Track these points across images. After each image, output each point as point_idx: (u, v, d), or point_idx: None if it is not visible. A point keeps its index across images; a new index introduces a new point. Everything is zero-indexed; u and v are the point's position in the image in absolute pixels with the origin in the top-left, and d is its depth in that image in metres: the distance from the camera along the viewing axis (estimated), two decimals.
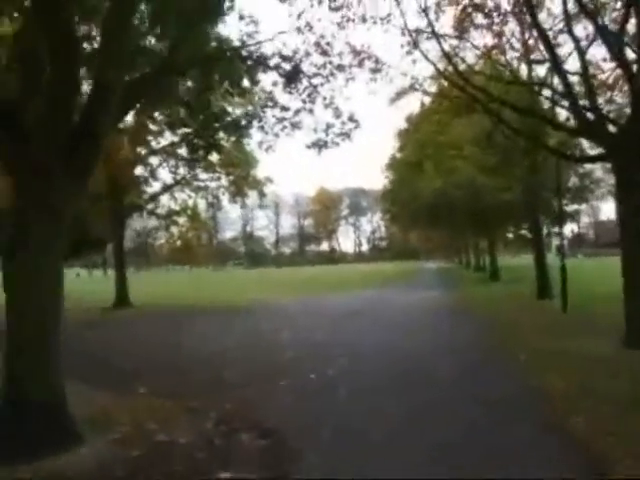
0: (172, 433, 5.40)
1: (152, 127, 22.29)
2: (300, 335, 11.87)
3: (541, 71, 17.18)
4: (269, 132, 14.87)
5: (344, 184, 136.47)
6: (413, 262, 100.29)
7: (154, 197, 25.04)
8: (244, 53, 10.71)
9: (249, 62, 10.96)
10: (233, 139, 18.28)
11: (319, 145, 13.49)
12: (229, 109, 16.47)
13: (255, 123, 15.38)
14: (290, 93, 13.21)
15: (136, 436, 5.33)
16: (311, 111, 13.47)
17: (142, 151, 23.61)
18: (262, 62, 10.93)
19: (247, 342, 11.46)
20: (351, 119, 13.63)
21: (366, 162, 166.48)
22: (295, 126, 14.13)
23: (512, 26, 14.66)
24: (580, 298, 14.88)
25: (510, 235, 37.64)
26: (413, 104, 28.53)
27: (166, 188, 24.48)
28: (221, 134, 16.98)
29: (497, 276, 32.22)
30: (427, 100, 20.06)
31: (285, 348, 10.19)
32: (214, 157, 24.00)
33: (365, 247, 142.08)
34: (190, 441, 5.21)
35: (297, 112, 13.92)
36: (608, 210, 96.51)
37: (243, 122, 15.89)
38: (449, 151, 21.04)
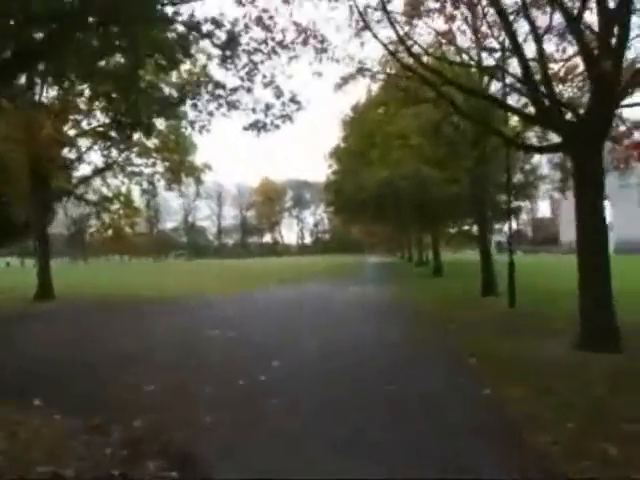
0: (59, 462, 4.20)
1: (81, 105, 20.43)
2: (214, 332, 10.67)
3: (491, 61, 16.74)
4: (203, 110, 13.53)
5: (288, 176, 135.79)
6: (356, 256, 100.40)
7: (83, 181, 23.05)
8: (170, 13, 9.32)
9: (178, 26, 9.60)
10: (165, 121, 16.78)
11: (258, 127, 12.30)
12: (160, 85, 14.96)
13: (188, 101, 13.99)
14: (227, 69, 11.96)
15: (8, 469, 4.09)
16: (250, 90, 12.29)
17: (70, 131, 21.68)
18: (193, 26, 9.59)
19: (166, 341, 10.20)
20: (293, 100, 12.50)
21: (311, 154, 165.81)
22: (232, 105, 12.90)
23: (465, 11, 14.06)
24: (526, 295, 14.44)
25: (453, 230, 37.52)
26: (360, 92, 27.75)
27: (97, 172, 22.56)
28: (151, 113, 15.43)
29: (440, 271, 31.98)
30: (375, 87, 19.24)
31: (209, 349, 9.03)
32: (150, 142, 22.47)
33: (308, 240, 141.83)
34: (79, 474, 4.03)
35: (234, 90, 12.70)
36: (544, 208, 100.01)
37: (175, 98, 14.45)
38: (396, 141, 20.24)
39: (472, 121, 13.69)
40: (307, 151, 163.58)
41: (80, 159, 21.73)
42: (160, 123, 20.61)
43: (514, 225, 50.71)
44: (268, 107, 12.11)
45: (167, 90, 15.25)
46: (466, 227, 34.87)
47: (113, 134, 21.76)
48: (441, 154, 20.92)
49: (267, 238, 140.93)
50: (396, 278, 31.82)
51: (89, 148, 22.53)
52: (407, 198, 23.75)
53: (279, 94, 12.32)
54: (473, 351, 8.10)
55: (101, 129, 21.14)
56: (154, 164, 23.60)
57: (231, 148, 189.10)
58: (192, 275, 38.24)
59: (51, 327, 12.97)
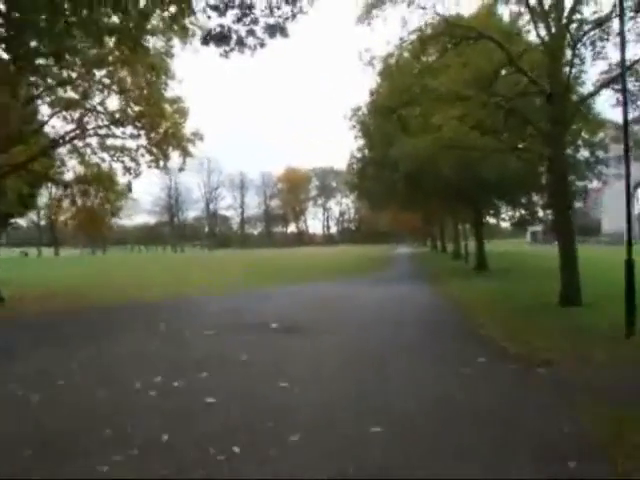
0: None
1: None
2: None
3: None
4: None
5: (313, 164, 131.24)
6: (383, 246, 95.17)
7: (45, 153, 18.51)
8: None
9: None
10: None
11: (223, 38, 7.44)
12: None
13: None
14: None
15: None
16: None
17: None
18: None
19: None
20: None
21: (336, 141, 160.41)
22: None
23: None
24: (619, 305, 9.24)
25: (506, 215, 31.70)
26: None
27: (57, 141, 18.13)
28: None
29: (485, 266, 26.81)
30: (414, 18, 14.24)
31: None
32: (131, 110, 17.94)
33: (334, 230, 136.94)
34: None
35: None
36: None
37: None
38: (439, 99, 15.17)
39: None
40: (333, 138, 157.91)
41: (31, 122, 17.24)
42: None
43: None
44: (243, 4, 7.21)
45: None
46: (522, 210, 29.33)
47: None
48: (496, 118, 15.85)
49: (292, 228, 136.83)
50: (433, 275, 26.74)
51: (54, 114, 18.11)
52: (452, 174, 18.60)
53: None
54: None
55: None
56: (138, 136, 18.98)
57: (255, 136, 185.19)
58: (203, 270, 33.72)
59: None
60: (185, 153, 18.26)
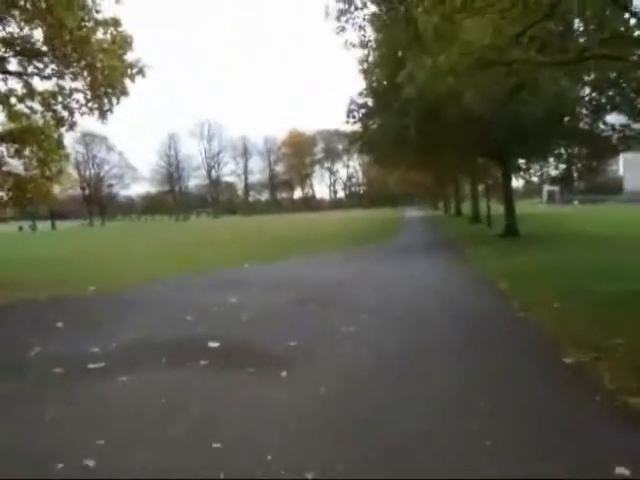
0: None
1: None
2: None
3: None
4: None
5: (318, 126, 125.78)
6: (392, 209, 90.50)
7: None
8: None
9: None
10: None
11: None
12: None
13: None
14: None
15: None
16: None
17: None
18: None
19: None
20: None
21: (342, 102, 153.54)
22: None
23: None
24: None
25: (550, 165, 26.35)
26: None
27: None
28: None
29: (515, 231, 22.21)
30: None
31: None
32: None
33: (341, 194, 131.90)
34: None
35: None
36: None
37: None
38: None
39: None
40: (338, 99, 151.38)
41: None
42: None
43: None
44: None
45: None
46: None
47: None
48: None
49: (298, 193, 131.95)
50: (455, 242, 22.23)
51: None
52: (479, 111, 13.81)
53: None
54: None
55: None
56: (74, 77, 14.42)
57: (256, 98, 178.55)
58: (192, 244, 29.58)
59: None
60: (122, 92, 13.64)
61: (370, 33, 16.18)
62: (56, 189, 19.38)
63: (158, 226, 71.07)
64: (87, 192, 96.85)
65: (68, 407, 4.61)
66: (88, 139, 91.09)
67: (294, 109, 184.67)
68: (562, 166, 24.45)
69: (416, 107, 15.82)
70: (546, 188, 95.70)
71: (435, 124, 17.56)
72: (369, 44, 15.30)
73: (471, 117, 14.99)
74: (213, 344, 6.46)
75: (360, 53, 16.25)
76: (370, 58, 20.91)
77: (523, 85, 14.01)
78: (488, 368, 5.20)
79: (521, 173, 26.60)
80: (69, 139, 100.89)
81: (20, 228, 77.91)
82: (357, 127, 22.99)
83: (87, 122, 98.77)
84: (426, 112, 16.43)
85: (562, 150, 22.80)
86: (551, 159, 24.71)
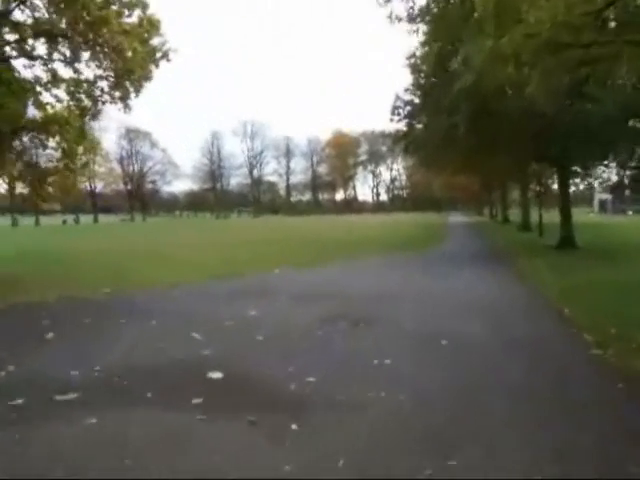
0: None
1: None
2: None
3: None
4: None
5: (362, 127, 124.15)
6: (436, 214, 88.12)
7: None
8: None
9: None
10: None
11: None
12: None
13: None
14: None
15: None
16: None
17: None
18: None
19: None
20: None
21: (386, 104, 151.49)
22: None
23: None
24: None
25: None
26: None
27: None
28: None
29: (571, 242, 20.28)
30: None
31: None
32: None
33: (384, 197, 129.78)
34: None
35: None
36: None
37: None
38: None
39: None
40: (383, 100, 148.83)
41: None
42: None
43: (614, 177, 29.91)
44: None
45: None
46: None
47: None
48: None
49: (340, 195, 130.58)
50: (504, 252, 20.46)
51: None
52: (542, 106, 12.15)
53: None
54: None
55: None
56: (99, 66, 13.57)
57: (301, 99, 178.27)
58: (220, 246, 28.72)
59: None
60: (145, 78, 12.66)
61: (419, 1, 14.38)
62: (99, 184, 18.73)
63: (198, 223, 71.12)
64: (130, 187, 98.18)
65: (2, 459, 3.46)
66: (132, 135, 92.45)
67: (338, 110, 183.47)
68: (625, 173, 22.26)
69: (469, 101, 14.28)
70: (598, 196, 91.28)
71: (488, 121, 15.96)
72: (417, 19, 13.63)
73: (532, 113, 13.35)
74: (214, 374, 5.25)
75: (406, 28, 14.40)
76: (418, 52, 19.46)
77: (592, 76, 12.31)
78: (560, 437, 3.78)
79: (579, 179, 24.46)
80: (113, 134, 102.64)
81: (64, 222, 79.66)
82: (402, 125, 21.50)
83: (132, 118, 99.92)
84: (479, 108, 14.86)
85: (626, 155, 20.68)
86: (613, 164, 22.58)
